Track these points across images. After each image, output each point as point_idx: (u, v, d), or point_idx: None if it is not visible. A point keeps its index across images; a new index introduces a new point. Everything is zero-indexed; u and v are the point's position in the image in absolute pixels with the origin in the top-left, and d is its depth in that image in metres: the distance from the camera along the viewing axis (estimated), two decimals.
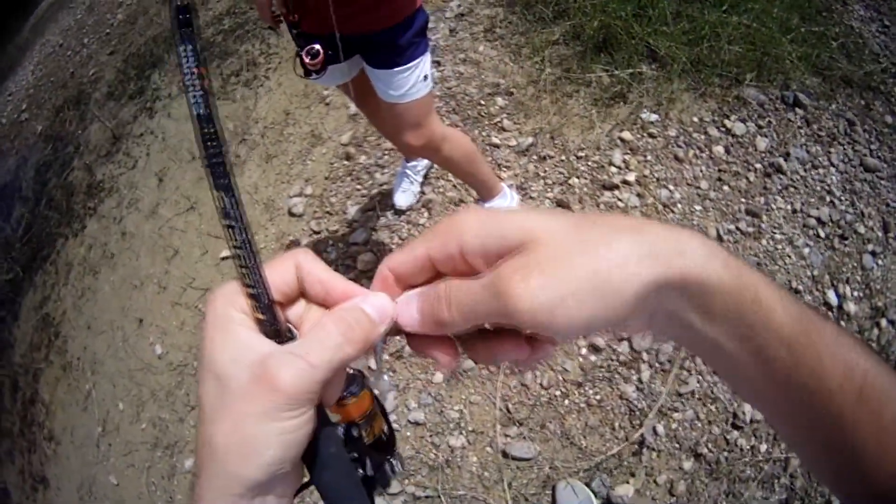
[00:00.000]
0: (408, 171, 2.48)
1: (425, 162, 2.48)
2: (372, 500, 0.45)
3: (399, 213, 2.53)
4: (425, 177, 2.55)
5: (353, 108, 2.88)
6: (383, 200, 2.61)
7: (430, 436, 2.11)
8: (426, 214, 2.49)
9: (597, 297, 0.31)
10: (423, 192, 2.54)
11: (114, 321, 3.12)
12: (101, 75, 4.42)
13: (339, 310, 0.37)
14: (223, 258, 2.85)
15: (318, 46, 1.51)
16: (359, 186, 2.72)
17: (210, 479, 0.35)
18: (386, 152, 2.75)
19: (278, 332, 0.37)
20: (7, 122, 5.04)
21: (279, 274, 0.38)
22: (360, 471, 0.46)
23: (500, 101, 2.74)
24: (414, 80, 1.62)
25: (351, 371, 0.48)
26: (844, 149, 2.50)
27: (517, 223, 0.33)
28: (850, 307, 2.15)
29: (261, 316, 0.36)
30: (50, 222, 3.83)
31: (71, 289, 3.45)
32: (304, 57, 1.53)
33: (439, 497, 2.02)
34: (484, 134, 2.65)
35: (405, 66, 1.59)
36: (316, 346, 0.35)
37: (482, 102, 2.75)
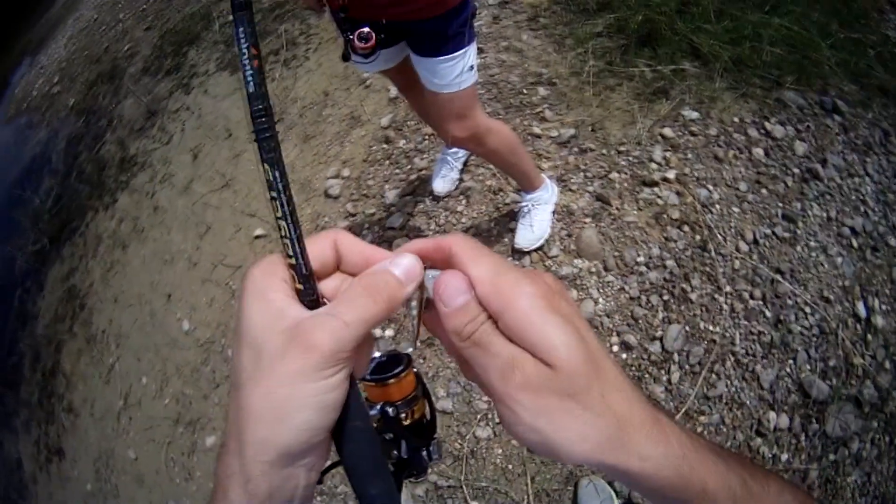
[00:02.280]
0: (448, 158, 2.47)
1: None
2: (399, 481, 0.46)
3: (437, 199, 2.52)
4: (465, 164, 2.54)
5: (393, 91, 2.87)
6: (421, 186, 2.60)
7: (457, 426, 2.10)
8: (464, 202, 2.48)
9: (547, 447, 0.36)
10: (461, 180, 2.53)
11: (142, 295, 3.13)
12: (136, 51, 4.43)
13: (368, 272, 0.38)
14: (256, 236, 2.85)
15: (368, 29, 1.50)
16: (397, 170, 2.71)
17: (241, 446, 0.36)
18: (426, 137, 2.74)
19: (315, 302, 0.38)
20: (38, 94, 5.07)
21: (317, 247, 0.39)
22: (395, 452, 0.46)
23: (542, 90, 2.72)
24: (459, 69, 1.61)
25: (398, 352, 0.48)
26: (879, 159, 2.48)
27: (558, 345, 0.35)
28: (878, 321, 2.13)
29: (299, 286, 0.37)
30: (80, 195, 3.84)
31: (99, 261, 3.46)
32: (355, 40, 1.51)
33: (461, 488, 2.01)
34: (525, 123, 2.64)
35: (451, 55, 1.58)
36: (347, 306, 0.36)
37: (524, 91, 2.74)
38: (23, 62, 5.75)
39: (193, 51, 3.98)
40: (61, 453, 3.23)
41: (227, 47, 3.81)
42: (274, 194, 0.37)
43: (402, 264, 0.38)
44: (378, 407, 0.45)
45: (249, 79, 0.36)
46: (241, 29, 0.36)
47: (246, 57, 0.36)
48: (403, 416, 0.46)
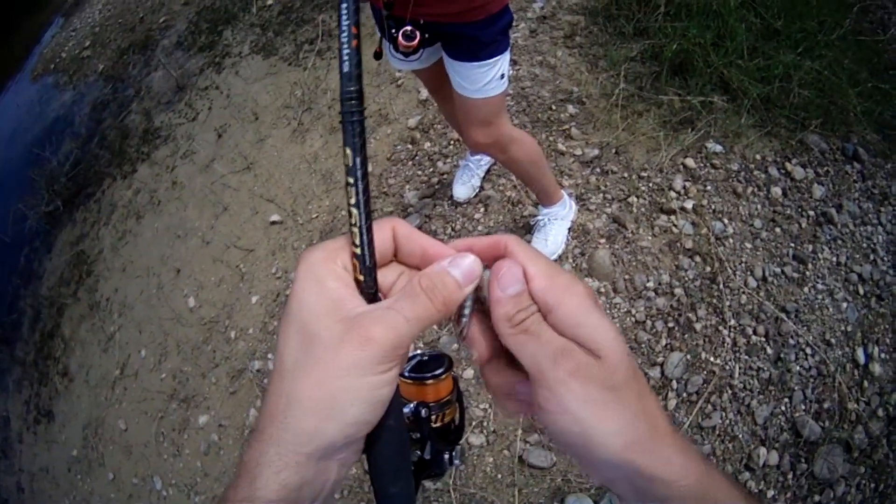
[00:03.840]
0: (471, 165, 2.48)
1: (489, 158, 2.48)
2: (418, 481, 0.46)
3: (456, 204, 2.54)
4: (487, 172, 2.55)
5: (424, 93, 2.88)
6: (442, 189, 2.61)
7: None
8: (482, 210, 2.50)
9: (585, 438, 0.36)
10: (482, 188, 2.55)
11: (150, 268, 3.13)
12: (171, 24, 4.43)
13: (426, 272, 0.37)
14: (272, 222, 2.86)
15: (411, 28, 1.51)
16: (419, 172, 2.72)
17: (280, 434, 0.35)
18: (451, 142, 2.75)
19: (374, 296, 0.37)
20: (68, 56, 5.06)
21: (376, 236, 0.38)
22: (418, 452, 0.46)
23: (571, 108, 2.74)
24: (491, 76, 1.62)
25: (440, 353, 0.48)
26: (894, 210, 2.49)
27: (606, 340, 0.37)
28: (876, 368, 2.14)
29: (360, 277, 0.37)
30: (100, 161, 3.84)
31: (111, 230, 3.46)
32: (400, 38, 1.52)
33: (449, 492, 2.01)
34: (551, 139, 2.65)
35: (485, 62, 1.59)
36: (406, 303, 0.36)
37: (553, 107, 2.75)
38: (55, 21, 5.73)
39: (229, 31, 3.99)
40: (51, 416, 3.22)
41: (262, 31, 3.82)
42: (351, 180, 0.36)
43: (462, 265, 0.38)
44: (412, 406, 0.45)
45: (346, 58, 0.35)
46: (344, 5, 0.35)
47: (346, 35, 0.34)
48: (434, 417, 0.46)
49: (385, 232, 0.40)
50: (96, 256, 3.44)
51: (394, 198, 2.66)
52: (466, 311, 0.40)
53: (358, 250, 0.36)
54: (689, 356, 2.15)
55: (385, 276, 0.40)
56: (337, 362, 0.34)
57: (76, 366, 3.23)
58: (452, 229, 2.48)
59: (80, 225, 3.68)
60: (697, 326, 2.20)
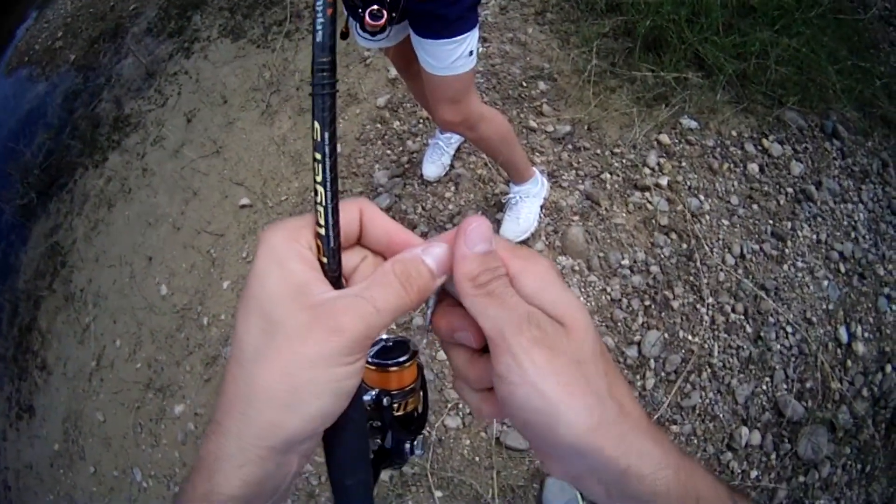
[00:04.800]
0: (440, 143, 2.45)
1: (459, 136, 2.45)
2: (378, 470, 0.45)
3: (426, 183, 2.50)
4: (457, 150, 2.52)
5: (392, 72, 2.85)
6: (412, 169, 2.58)
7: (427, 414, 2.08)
8: (453, 188, 2.46)
9: (548, 415, 0.33)
10: (452, 166, 2.51)
11: (123, 256, 3.10)
12: (141, 11, 4.39)
13: (400, 259, 0.36)
14: (242, 206, 2.83)
15: (378, 6, 1.47)
16: (389, 151, 2.68)
17: (240, 428, 0.33)
18: (421, 121, 2.72)
19: (337, 279, 0.36)
20: (41, 48, 5.03)
21: (342, 217, 0.36)
22: (378, 441, 0.45)
23: (542, 85, 2.71)
24: (458, 54, 1.59)
25: (405, 339, 0.47)
26: (875, 188, 2.49)
27: (573, 310, 0.35)
28: (859, 347, 2.15)
29: (324, 259, 0.35)
30: (71, 151, 3.81)
31: (84, 220, 3.43)
32: (366, 17, 1.48)
33: (427, 476, 2.00)
34: (522, 116, 2.62)
35: (452, 39, 1.56)
36: (378, 290, 0.34)
37: (524, 84, 2.72)
38: (29, 15, 5.70)
39: (198, 15, 3.94)
40: (32, 411, 3.20)
41: (231, 14, 3.79)
42: (318, 156, 0.35)
43: (435, 254, 0.36)
44: (373, 393, 0.44)
45: (319, 28, 0.34)
46: None
47: (321, 3, 0.33)
48: (397, 406, 0.45)
49: (352, 213, 0.38)
50: (70, 247, 3.41)
51: (363, 178, 2.62)
52: (431, 303, 0.39)
53: (322, 230, 0.35)
54: (666, 334, 2.13)
55: (347, 260, 0.38)
56: (302, 353, 0.32)
57: (54, 359, 3.21)
58: (423, 208, 2.44)
59: (53, 216, 3.65)
60: (675, 304, 2.18)
